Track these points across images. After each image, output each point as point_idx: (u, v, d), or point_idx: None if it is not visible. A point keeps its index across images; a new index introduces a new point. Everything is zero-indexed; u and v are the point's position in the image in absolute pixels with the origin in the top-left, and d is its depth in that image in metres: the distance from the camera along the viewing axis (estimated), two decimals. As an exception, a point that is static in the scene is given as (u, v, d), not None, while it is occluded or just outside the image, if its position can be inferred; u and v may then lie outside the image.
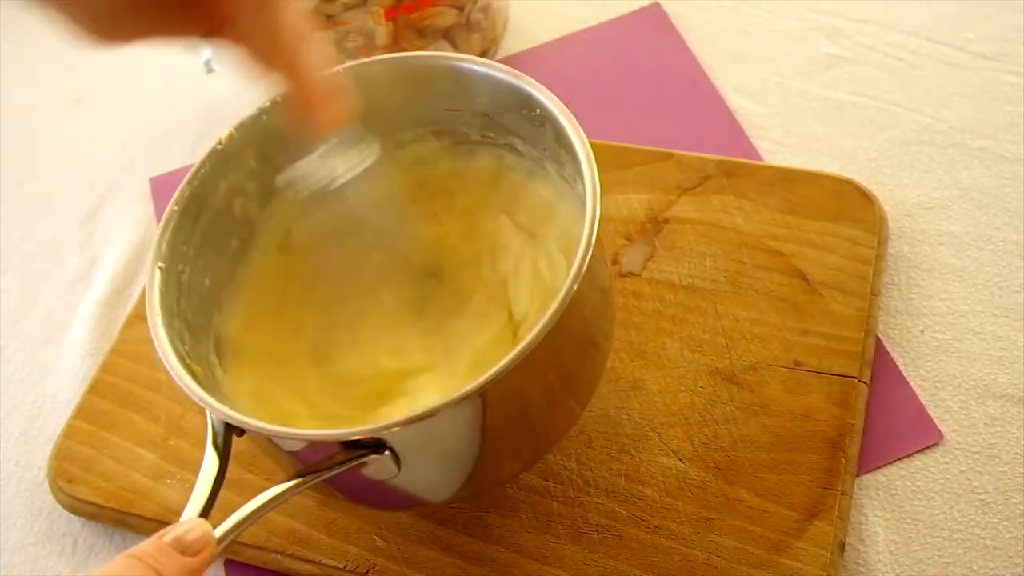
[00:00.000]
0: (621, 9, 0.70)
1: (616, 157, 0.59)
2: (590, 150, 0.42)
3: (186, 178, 0.46)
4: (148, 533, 0.51)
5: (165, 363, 0.41)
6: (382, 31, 0.61)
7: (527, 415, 0.42)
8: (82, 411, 0.55)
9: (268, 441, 0.41)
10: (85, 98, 0.75)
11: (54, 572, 0.52)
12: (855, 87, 0.62)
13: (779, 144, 0.61)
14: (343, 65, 0.47)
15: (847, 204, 0.54)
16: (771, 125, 0.62)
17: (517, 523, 0.48)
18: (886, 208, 0.55)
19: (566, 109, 0.43)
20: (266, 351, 0.48)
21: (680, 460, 0.48)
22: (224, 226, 0.48)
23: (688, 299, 0.53)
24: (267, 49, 0.39)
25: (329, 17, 0.61)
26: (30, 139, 0.74)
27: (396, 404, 0.47)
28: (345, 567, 0.48)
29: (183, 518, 0.37)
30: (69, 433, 0.55)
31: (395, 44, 0.62)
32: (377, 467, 0.39)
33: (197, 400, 0.39)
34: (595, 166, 0.41)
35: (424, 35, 0.62)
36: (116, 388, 0.56)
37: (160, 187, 0.67)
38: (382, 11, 0.60)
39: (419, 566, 0.47)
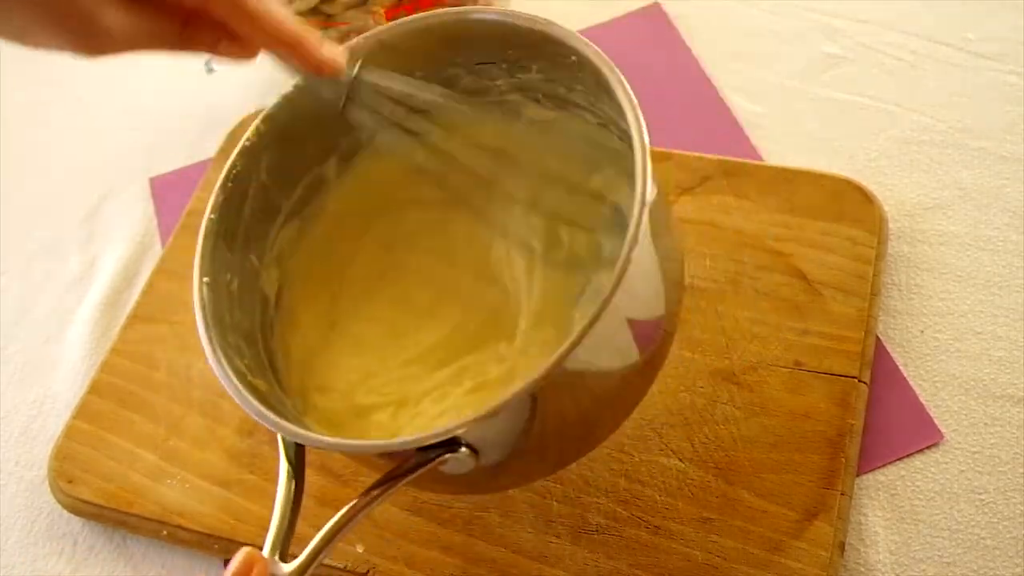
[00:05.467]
0: (621, 9, 0.70)
1: (616, 157, 0.59)
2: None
3: (218, 182, 0.44)
4: (148, 533, 0.51)
5: (228, 389, 0.39)
6: (382, 31, 0.61)
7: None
8: (82, 411, 0.55)
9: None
10: (85, 98, 0.75)
11: (54, 572, 0.52)
12: (855, 87, 0.62)
13: (779, 144, 0.61)
14: (367, 34, 0.45)
15: (847, 204, 0.54)
16: (771, 125, 0.62)
17: (517, 523, 0.47)
18: (886, 208, 0.55)
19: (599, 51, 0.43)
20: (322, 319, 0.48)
21: (680, 460, 0.48)
22: (265, 222, 0.46)
23: (688, 299, 0.53)
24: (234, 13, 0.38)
25: (329, 17, 0.61)
26: (30, 139, 0.74)
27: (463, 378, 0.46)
28: (345, 567, 0.48)
29: (265, 550, 0.36)
30: (69, 433, 0.55)
31: (395, 44, 0.62)
32: (455, 464, 0.37)
33: (269, 426, 0.38)
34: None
35: (424, 35, 0.62)
36: (116, 388, 0.56)
37: (160, 187, 0.67)
38: (382, 11, 0.60)
39: (419, 566, 0.47)
